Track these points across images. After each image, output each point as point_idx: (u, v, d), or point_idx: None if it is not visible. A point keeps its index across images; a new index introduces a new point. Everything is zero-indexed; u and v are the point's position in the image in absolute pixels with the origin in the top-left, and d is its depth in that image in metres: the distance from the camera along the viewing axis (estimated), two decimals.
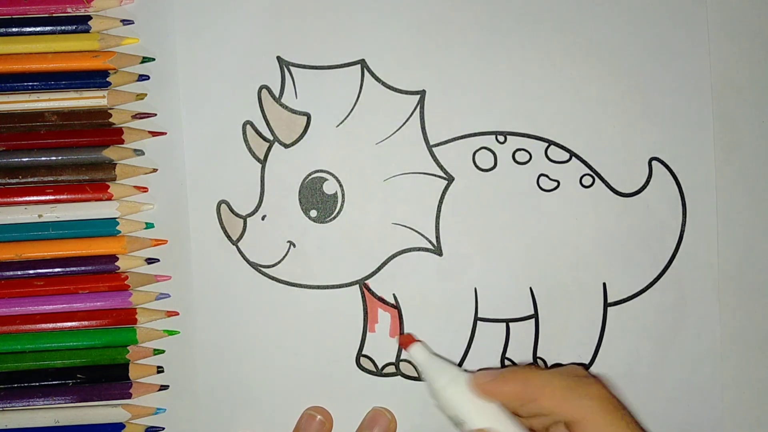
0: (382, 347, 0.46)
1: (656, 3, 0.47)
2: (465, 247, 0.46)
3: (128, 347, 0.46)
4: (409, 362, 0.45)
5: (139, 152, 0.46)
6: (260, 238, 0.46)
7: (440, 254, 0.46)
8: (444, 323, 0.46)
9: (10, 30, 0.45)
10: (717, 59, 0.47)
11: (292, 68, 0.46)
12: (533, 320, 0.47)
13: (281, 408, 0.46)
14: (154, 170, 0.46)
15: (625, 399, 0.44)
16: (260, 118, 0.46)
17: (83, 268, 0.45)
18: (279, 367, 0.46)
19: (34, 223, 0.45)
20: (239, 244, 0.46)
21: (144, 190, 0.46)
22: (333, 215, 0.46)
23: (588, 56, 0.47)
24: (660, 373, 0.47)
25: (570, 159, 0.47)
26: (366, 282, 0.46)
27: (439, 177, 0.46)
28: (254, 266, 0.46)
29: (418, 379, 0.46)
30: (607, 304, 0.47)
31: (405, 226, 0.46)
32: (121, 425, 0.45)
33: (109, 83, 0.45)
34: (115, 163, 0.46)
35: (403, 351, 0.45)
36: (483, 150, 0.46)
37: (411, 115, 0.46)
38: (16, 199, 0.45)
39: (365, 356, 0.46)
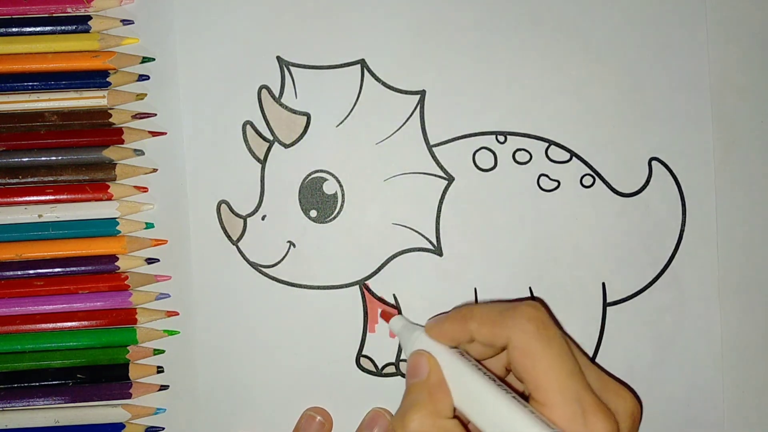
0: (382, 347, 0.46)
1: (656, 3, 0.47)
2: (465, 247, 0.46)
3: (128, 347, 0.45)
4: None
5: (139, 152, 0.46)
6: (260, 238, 0.46)
7: (440, 254, 0.46)
8: None
9: (10, 30, 0.45)
10: (716, 59, 0.47)
11: (292, 68, 0.46)
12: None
13: (281, 408, 0.46)
14: (154, 170, 0.46)
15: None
16: (260, 118, 0.46)
17: (83, 268, 0.45)
18: (279, 367, 0.46)
19: (34, 223, 0.45)
20: (239, 244, 0.46)
21: (144, 190, 0.46)
22: (333, 215, 0.46)
23: (588, 56, 0.47)
24: (660, 373, 0.47)
25: (570, 159, 0.47)
26: (366, 282, 0.46)
27: (439, 177, 0.46)
28: (254, 266, 0.46)
29: None
30: (606, 304, 0.47)
31: (405, 226, 0.46)
32: (121, 425, 0.45)
33: (109, 83, 0.45)
34: (115, 163, 0.46)
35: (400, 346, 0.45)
36: (483, 150, 0.46)
37: (411, 115, 0.46)
38: (16, 199, 0.45)
39: (365, 356, 0.46)
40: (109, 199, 0.45)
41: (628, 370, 0.47)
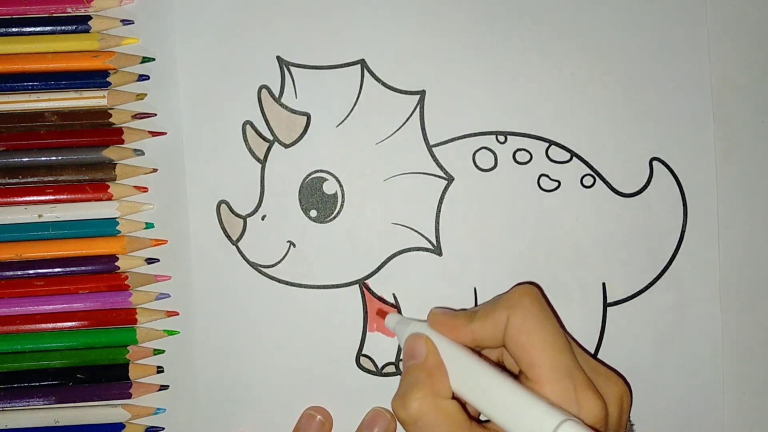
0: (382, 347, 0.46)
1: (656, 3, 0.47)
2: (465, 247, 0.46)
3: (128, 347, 0.46)
4: None
5: (139, 152, 0.46)
6: (260, 238, 0.46)
7: (440, 254, 0.46)
8: None
9: (10, 30, 0.45)
10: (717, 59, 0.47)
11: (292, 68, 0.46)
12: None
13: (281, 408, 0.46)
14: (154, 170, 0.46)
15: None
16: (260, 118, 0.46)
17: (83, 268, 0.45)
18: (279, 367, 0.46)
19: (34, 223, 0.45)
20: (239, 244, 0.46)
21: (144, 190, 0.46)
22: (333, 215, 0.46)
23: (588, 56, 0.47)
24: (660, 374, 0.47)
25: (571, 159, 0.47)
26: (366, 282, 0.46)
27: (439, 177, 0.46)
28: (254, 266, 0.46)
29: None
30: (607, 304, 0.47)
31: (405, 226, 0.46)
32: (121, 425, 0.45)
33: (109, 83, 0.45)
34: (115, 163, 0.46)
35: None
36: (483, 150, 0.46)
37: (411, 115, 0.46)
38: (16, 199, 0.45)
39: (365, 356, 0.46)
40: (109, 199, 0.46)
41: (629, 370, 0.46)
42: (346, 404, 0.46)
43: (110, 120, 0.45)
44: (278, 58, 0.46)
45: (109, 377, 0.45)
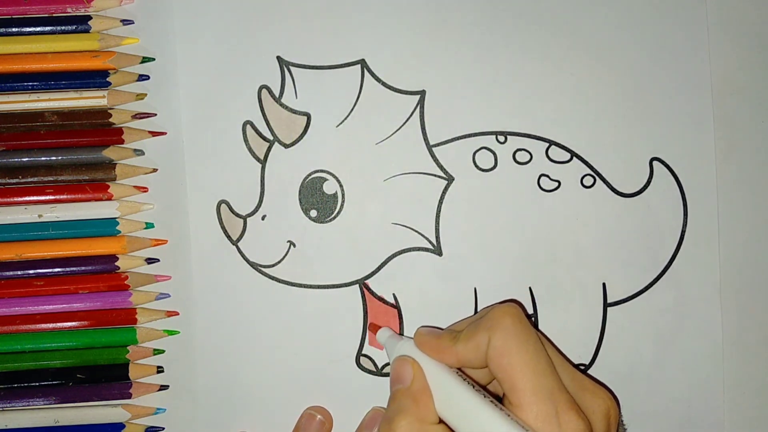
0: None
1: (656, 3, 0.47)
2: (465, 247, 0.46)
3: (128, 347, 0.46)
4: None
5: (139, 152, 0.46)
6: (260, 238, 0.46)
7: (440, 254, 0.46)
8: (444, 323, 0.46)
9: (10, 30, 0.45)
10: (717, 59, 0.47)
11: (292, 68, 0.46)
12: (533, 320, 0.46)
13: (281, 408, 0.46)
14: (154, 170, 0.46)
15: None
16: (260, 118, 0.46)
17: (83, 268, 0.45)
18: (279, 367, 0.46)
19: (34, 223, 0.45)
20: (239, 244, 0.46)
21: (144, 190, 0.46)
22: (333, 215, 0.46)
23: (588, 56, 0.47)
24: (660, 374, 0.47)
25: (571, 159, 0.47)
26: (366, 282, 0.46)
27: (439, 177, 0.46)
28: (254, 266, 0.46)
29: None
30: (607, 305, 0.47)
31: (405, 226, 0.46)
32: (121, 425, 0.45)
33: (109, 83, 0.45)
34: (115, 163, 0.46)
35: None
36: (483, 150, 0.46)
37: (411, 115, 0.46)
38: (16, 199, 0.45)
39: (365, 356, 0.46)
40: (109, 199, 0.46)
41: (629, 371, 0.47)
42: (346, 404, 0.46)
43: (110, 120, 0.45)
44: (278, 58, 0.46)
45: (109, 377, 0.45)
